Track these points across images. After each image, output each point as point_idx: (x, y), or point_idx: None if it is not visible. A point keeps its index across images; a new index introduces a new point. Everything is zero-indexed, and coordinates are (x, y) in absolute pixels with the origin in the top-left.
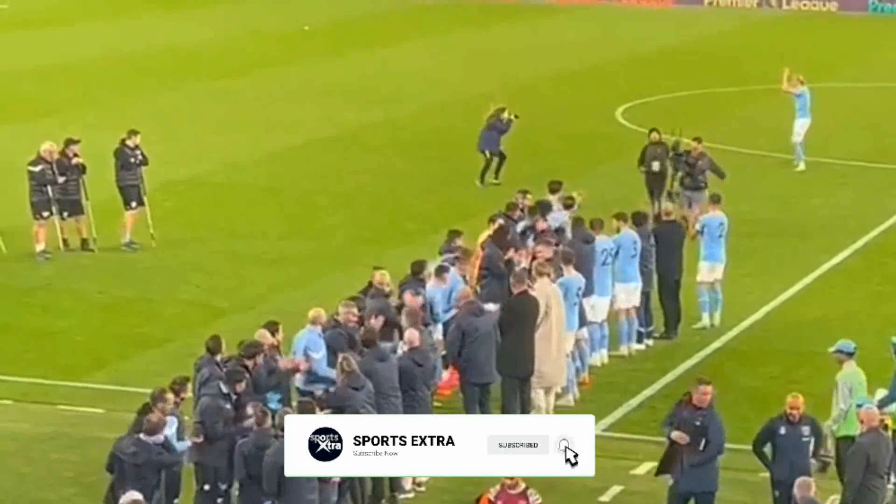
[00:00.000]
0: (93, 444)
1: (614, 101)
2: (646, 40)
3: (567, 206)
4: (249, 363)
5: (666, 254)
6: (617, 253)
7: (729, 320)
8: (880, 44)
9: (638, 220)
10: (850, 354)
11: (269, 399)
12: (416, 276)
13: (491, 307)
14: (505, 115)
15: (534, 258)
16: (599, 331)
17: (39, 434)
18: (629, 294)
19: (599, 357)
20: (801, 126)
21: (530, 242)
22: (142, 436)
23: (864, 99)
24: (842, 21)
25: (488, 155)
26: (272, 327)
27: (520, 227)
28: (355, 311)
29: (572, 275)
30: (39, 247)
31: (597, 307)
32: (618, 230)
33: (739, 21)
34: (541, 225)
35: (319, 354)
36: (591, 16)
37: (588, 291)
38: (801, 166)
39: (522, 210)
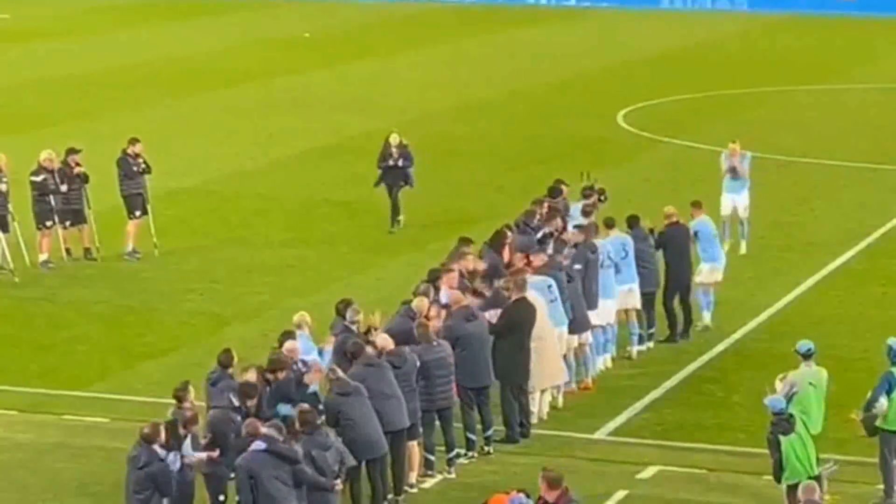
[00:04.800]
0: (97, 453)
1: (616, 105)
2: (646, 43)
3: (586, 213)
4: (272, 377)
5: (675, 256)
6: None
7: (733, 323)
8: (881, 45)
9: (631, 222)
10: (804, 356)
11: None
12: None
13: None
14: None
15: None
16: (602, 335)
17: (44, 444)
18: (625, 297)
19: (603, 361)
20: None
21: (550, 249)
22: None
23: (866, 101)
24: (843, 22)
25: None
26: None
27: (539, 234)
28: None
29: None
30: (42, 256)
31: (600, 310)
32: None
33: (741, 24)
34: (561, 226)
35: (311, 357)
36: (591, 19)
37: (592, 303)
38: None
39: (541, 217)
